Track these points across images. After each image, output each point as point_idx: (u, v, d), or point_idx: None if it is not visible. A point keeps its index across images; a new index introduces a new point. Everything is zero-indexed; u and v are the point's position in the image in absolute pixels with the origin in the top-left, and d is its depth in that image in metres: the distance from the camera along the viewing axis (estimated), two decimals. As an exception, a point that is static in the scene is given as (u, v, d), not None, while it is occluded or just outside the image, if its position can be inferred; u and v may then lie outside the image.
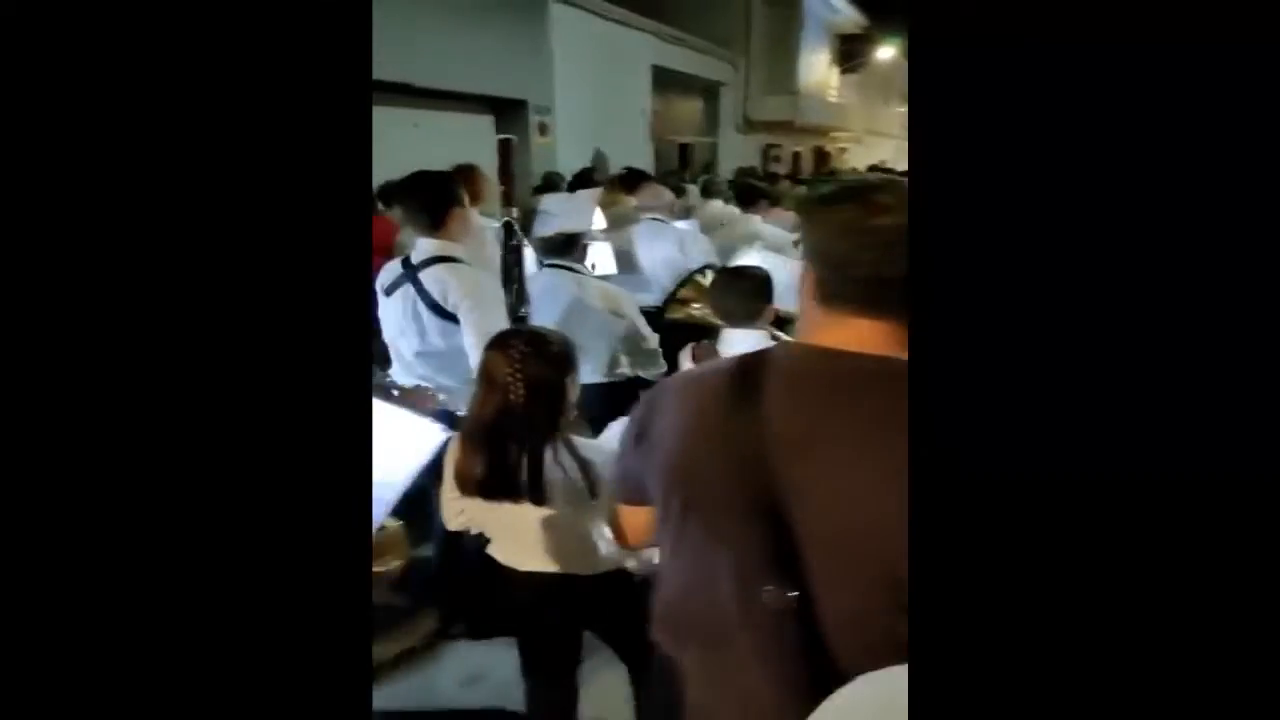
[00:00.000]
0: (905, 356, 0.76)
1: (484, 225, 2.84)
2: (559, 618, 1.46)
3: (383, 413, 0.97)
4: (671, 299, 2.40)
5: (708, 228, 3.71)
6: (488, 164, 6.88)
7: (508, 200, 2.38)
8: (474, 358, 1.83)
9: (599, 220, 3.01)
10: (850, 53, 17.69)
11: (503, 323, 2.06)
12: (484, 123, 7.09)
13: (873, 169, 10.16)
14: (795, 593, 0.75)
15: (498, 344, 1.40)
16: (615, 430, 1.57)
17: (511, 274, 2.41)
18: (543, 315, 2.43)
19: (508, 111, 7.05)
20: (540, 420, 1.34)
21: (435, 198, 2.10)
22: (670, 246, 3.11)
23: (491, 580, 1.42)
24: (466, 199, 2.17)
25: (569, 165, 6.52)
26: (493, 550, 1.42)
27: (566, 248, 2.52)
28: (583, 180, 5.36)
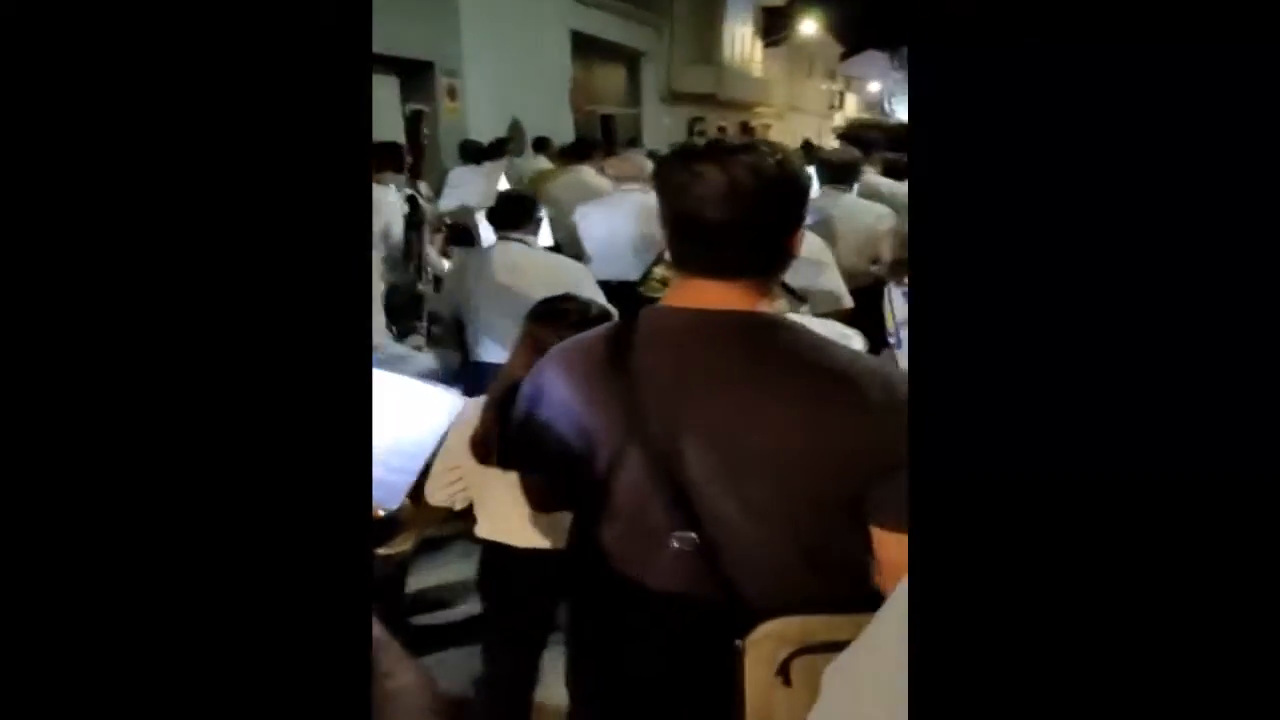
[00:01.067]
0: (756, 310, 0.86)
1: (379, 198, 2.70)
2: (549, 593, 1.43)
3: (395, 384, 0.94)
4: (647, 276, 2.33)
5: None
6: (393, 131, 6.46)
7: (414, 173, 2.22)
8: None
9: (495, 194, 2.89)
10: (773, 26, 17.67)
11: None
12: (388, 84, 6.60)
13: (805, 147, 10.12)
14: (693, 534, 0.82)
15: (548, 312, 1.36)
16: None
17: (412, 249, 2.33)
18: (494, 292, 2.32)
19: (414, 74, 6.59)
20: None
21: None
22: (652, 219, 2.95)
23: (493, 562, 1.41)
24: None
25: (481, 134, 6.13)
26: (483, 530, 1.39)
27: (518, 221, 2.44)
28: (498, 150, 5.09)
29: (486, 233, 2.77)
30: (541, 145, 5.88)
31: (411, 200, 2.30)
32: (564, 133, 7.67)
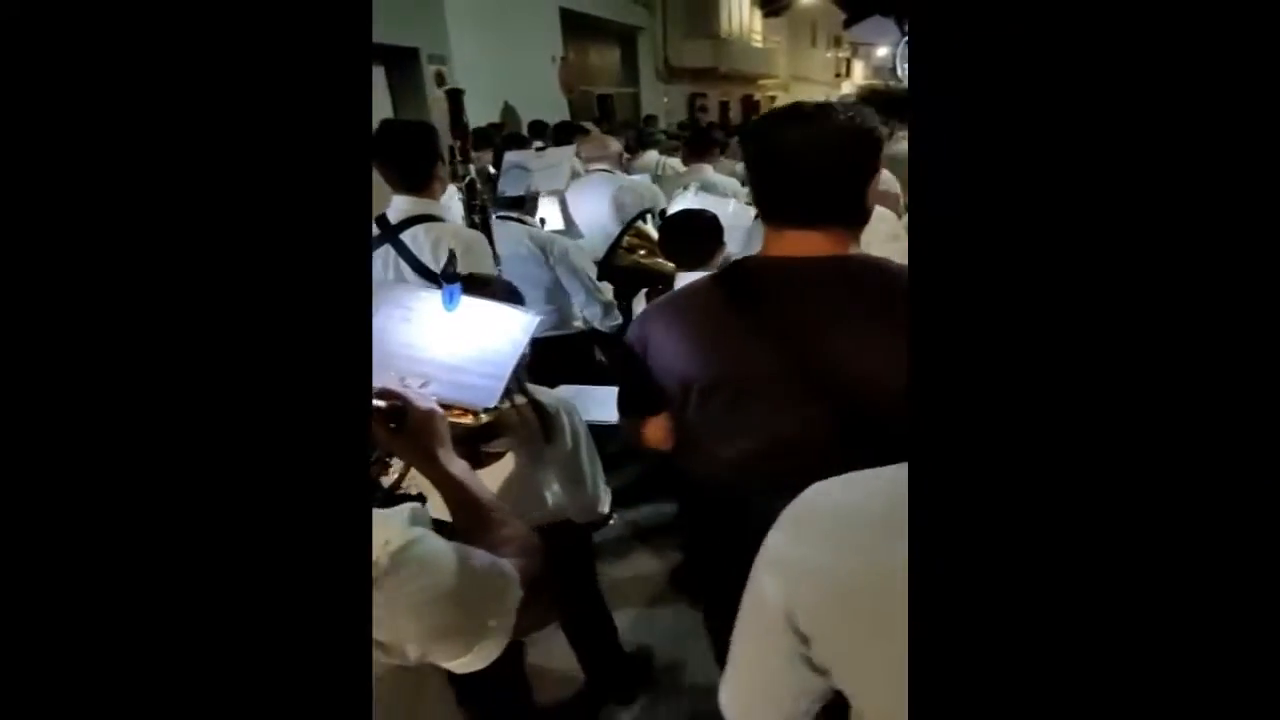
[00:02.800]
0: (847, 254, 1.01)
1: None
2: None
3: (477, 305, 1.08)
4: (616, 247, 2.40)
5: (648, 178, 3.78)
6: (382, 115, 6.38)
7: (465, 157, 2.26)
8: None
9: (565, 179, 3.01)
10: (773, -6, 17.39)
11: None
12: (372, 73, 6.54)
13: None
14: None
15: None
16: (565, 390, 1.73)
17: (488, 231, 2.30)
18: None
19: (399, 61, 6.51)
20: None
21: (418, 154, 1.97)
22: (623, 197, 3.07)
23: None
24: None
25: (472, 120, 6.04)
26: (434, 511, 1.40)
27: (518, 201, 2.53)
28: (511, 138, 4.98)
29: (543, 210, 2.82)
30: (538, 130, 5.79)
31: (469, 185, 2.22)
32: (559, 115, 7.57)
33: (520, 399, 1.35)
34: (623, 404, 1.28)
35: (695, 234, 1.97)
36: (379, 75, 6.52)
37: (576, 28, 9.81)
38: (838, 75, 23.69)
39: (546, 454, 1.40)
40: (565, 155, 2.90)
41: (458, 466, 0.89)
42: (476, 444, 1.20)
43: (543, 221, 2.68)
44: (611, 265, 2.40)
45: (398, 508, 0.73)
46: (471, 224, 2.23)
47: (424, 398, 0.92)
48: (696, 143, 3.99)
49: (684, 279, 1.93)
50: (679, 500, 1.46)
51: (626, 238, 2.40)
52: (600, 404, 1.70)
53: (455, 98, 2.38)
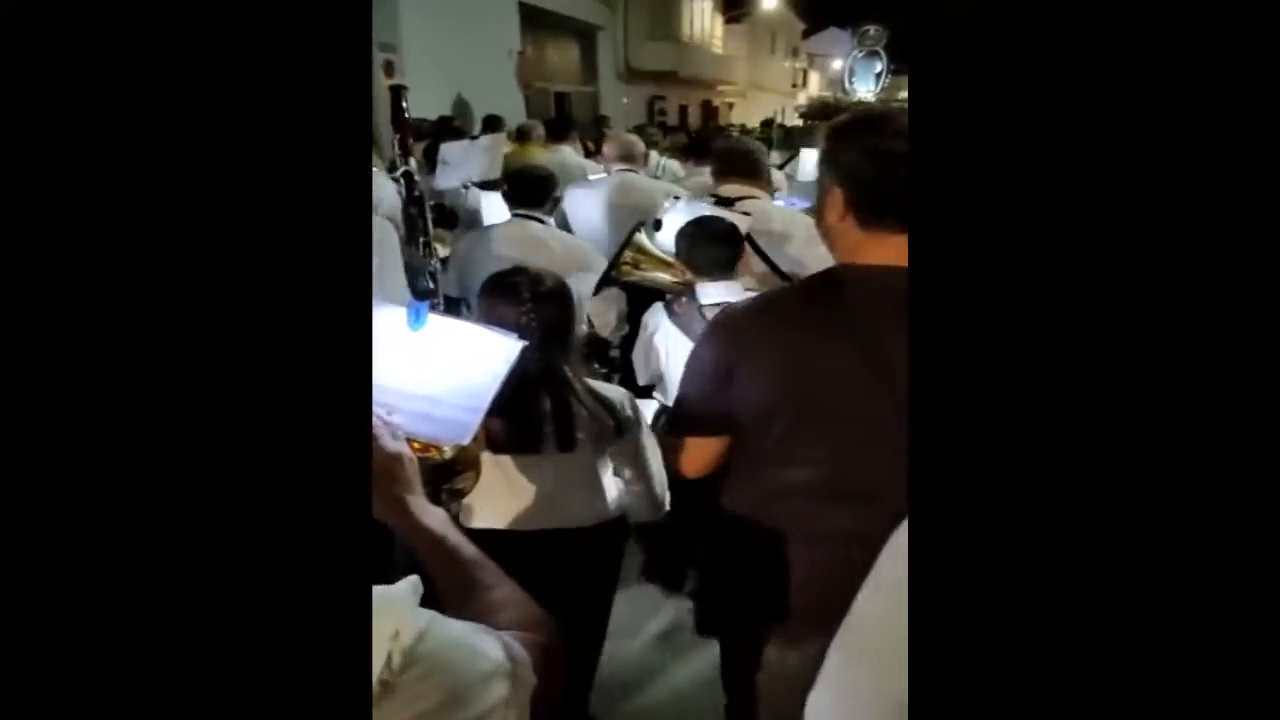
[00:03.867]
0: None
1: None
2: (549, 571, 1.37)
3: (454, 328, 1.00)
4: (617, 262, 2.28)
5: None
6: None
7: (405, 150, 2.20)
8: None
9: (498, 168, 2.96)
10: (734, 1, 17.41)
11: (400, 278, 1.97)
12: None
13: (765, 124, 9.94)
14: None
15: (499, 286, 1.32)
16: None
17: (416, 227, 2.25)
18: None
19: (345, 48, 6.17)
20: (559, 362, 1.31)
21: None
22: (646, 199, 2.99)
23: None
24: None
25: (423, 112, 5.75)
26: (483, 519, 1.31)
27: (539, 199, 2.46)
28: (444, 129, 4.76)
29: (488, 210, 2.79)
30: (492, 124, 5.56)
31: (407, 176, 2.19)
32: (514, 111, 7.31)
33: (584, 395, 1.31)
34: (678, 421, 1.19)
35: (717, 242, 1.94)
36: (323, 61, 6.18)
37: (535, 23, 9.54)
38: (794, 85, 23.89)
39: (618, 448, 1.35)
40: (494, 143, 2.85)
41: (433, 517, 0.76)
42: (437, 484, 1.07)
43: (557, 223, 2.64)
44: (612, 280, 2.29)
45: (398, 584, 0.60)
46: (409, 216, 2.19)
47: (391, 433, 0.79)
48: (696, 147, 4.12)
49: (708, 289, 1.92)
50: (702, 534, 1.34)
51: (628, 252, 2.29)
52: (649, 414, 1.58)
53: (396, 94, 2.29)
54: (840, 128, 1.03)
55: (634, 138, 3.63)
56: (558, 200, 2.58)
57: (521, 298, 1.27)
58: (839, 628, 0.61)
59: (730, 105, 17.12)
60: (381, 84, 6.25)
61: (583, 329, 2.44)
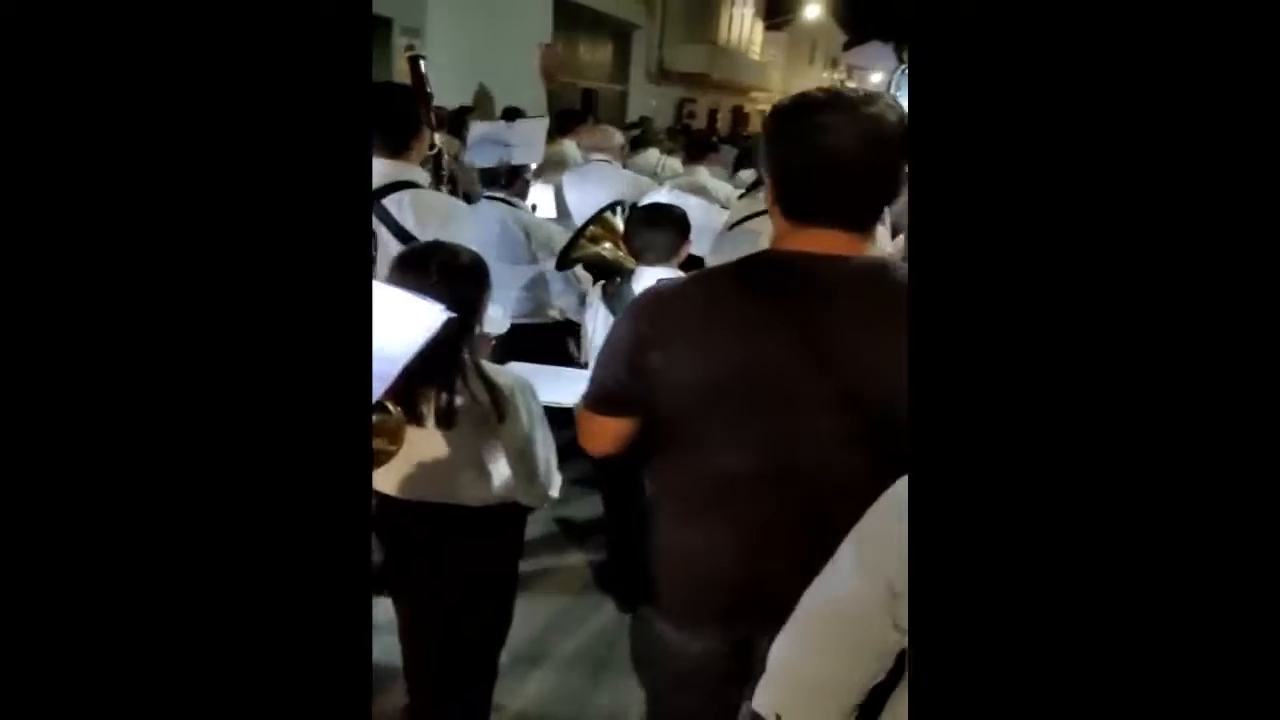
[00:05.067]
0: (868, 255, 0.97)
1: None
2: (441, 548, 1.45)
3: (381, 293, 0.99)
4: (578, 236, 2.29)
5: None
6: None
7: (433, 125, 2.19)
8: None
9: (539, 153, 3.05)
10: (776, 7, 17.26)
11: None
12: (340, 41, 6.15)
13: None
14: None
15: (410, 260, 1.35)
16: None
17: None
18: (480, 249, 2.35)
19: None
20: (456, 340, 1.29)
21: (401, 117, 1.91)
22: (620, 189, 3.11)
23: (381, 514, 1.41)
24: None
25: (442, 99, 5.69)
26: (379, 484, 1.37)
27: (509, 181, 2.54)
28: (462, 119, 4.70)
29: (535, 196, 2.90)
30: (511, 116, 5.49)
31: (437, 155, 2.19)
32: (538, 105, 7.25)
33: (472, 377, 1.32)
34: (594, 397, 1.14)
35: (661, 228, 1.96)
36: (346, 42, 6.15)
37: (570, 18, 9.51)
38: (832, 97, 23.63)
39: (499, 434, 1.36)
40: (540, 126, 2.89)
41: None
42: None
43: (534, 207, 2.67)
44: (569, 256, 2.28)
45: None
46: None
47: None
48: (694, 146, 4.30)
49: (644, 273, 1.93)
50: (619, 504, 1.46)
51: (591, 228, 2.29)
52: (555, 385, 1.58)
53: (415, 64, 2.30)
54: (777, 112, 0.97)
55: (612, 129, 3.91)
56: (528, 183, 2.65)
57: (429, 271, 1.28)
58: (753, 614, 0.65)
59: (763, 112, 16.97)
60: (402, 69, 6.24)
61: (553, 312, 2.58)
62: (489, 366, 1.38)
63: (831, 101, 0.90)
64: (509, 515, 1.46)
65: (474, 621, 1.53)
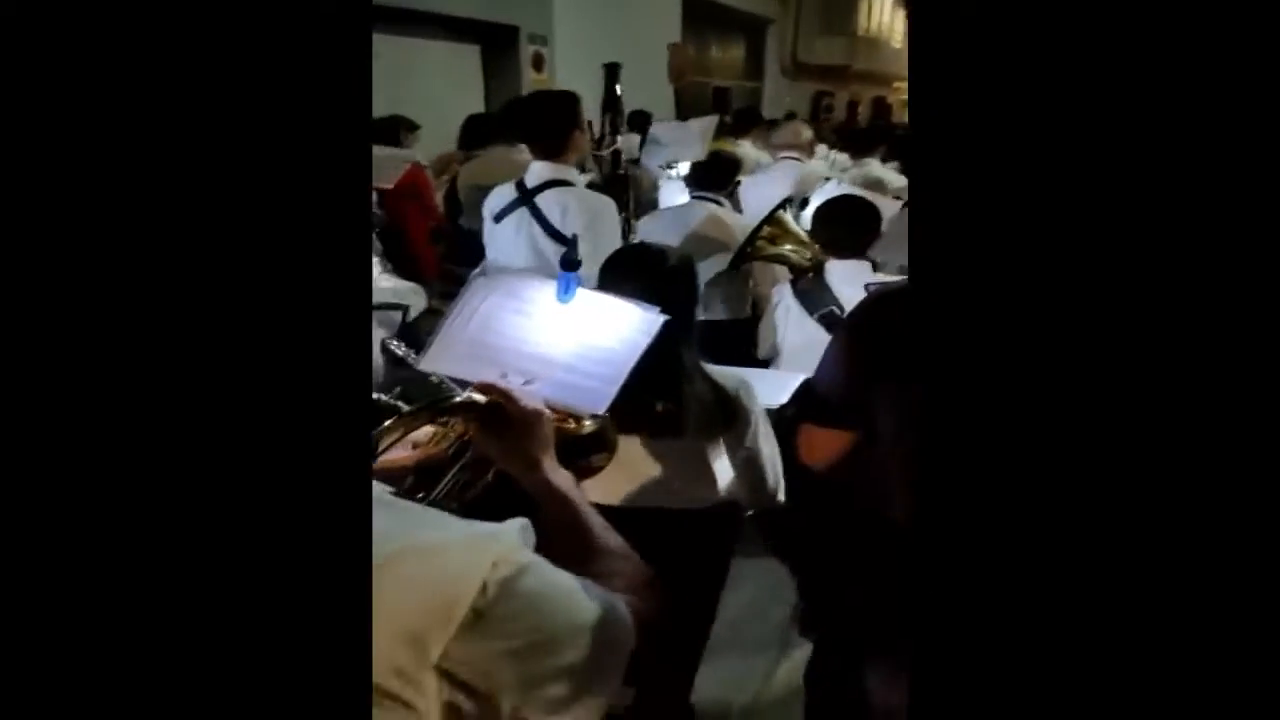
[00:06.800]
0: None
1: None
2: (659, 552, 1.31)
3: (597, 301, 1.01)
4: (752, 239, 2.31)
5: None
6: (474, 98, 6.00)
7: (614, 129, 2.54)
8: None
9: (705, 151, 3.14)
10: (919, -10, 16.33)
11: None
12: (468, 54, 6.11)
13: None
14: None
15: (620, 262, 1.33)
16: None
17: (622, 201, 2.36)
18: (696, 248, 2.41)
19: (496, 40, 6.06)
20: (675, 344, 1.24)
21: (559, 120, 2.09)
22: (787, 188, 3.15)
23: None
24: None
25: (567, 106, 5.53)
26: (592, 494, 1.27)
27: (722, 183, 2.67)
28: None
29: (666, 193, 3.02)
30: (636, 120, 5.25)
31: (615, 154, 2.48)
32: (663, 106, 6.98)
33: (697, 381, 1.29)
34: (803, 406, 1.12)
35: (852, 220, 1.91)
36: (473, 54, 6.10)
37: (700, 16, 9.22)
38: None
39: (725, 437, 1.33)
40: (705, 126, 3.02)
41: (562, 478, 0.80)
42: (577, 456, 1.02)
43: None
44: (745, 254, 2.35)
45: (507, 523, 0.61)
46: (614, 193, 2.29)
47: (529, 395, 0.84)
48: (863, 137, 4.26)
49: (836, 268, 1.87)
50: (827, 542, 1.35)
51: (767, 228, 2.33)
52: (759, 386, 1.62)
53: (612, 71, 2.59)
54: None
55: (802, 126, 4.11)
56: (737, 185, 2.79)
57: (642, 275, 1.21)
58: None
59: (905, 102, 16.04)
60: (530, 78, 6.14)
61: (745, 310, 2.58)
62: (711, 369, 1.35)
63: None
64: (724, 516, 1.39)
65: (682, 621, 1.37)
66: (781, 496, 1.43)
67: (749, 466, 1.36)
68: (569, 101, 2.15)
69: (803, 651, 1.99)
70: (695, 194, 2.66)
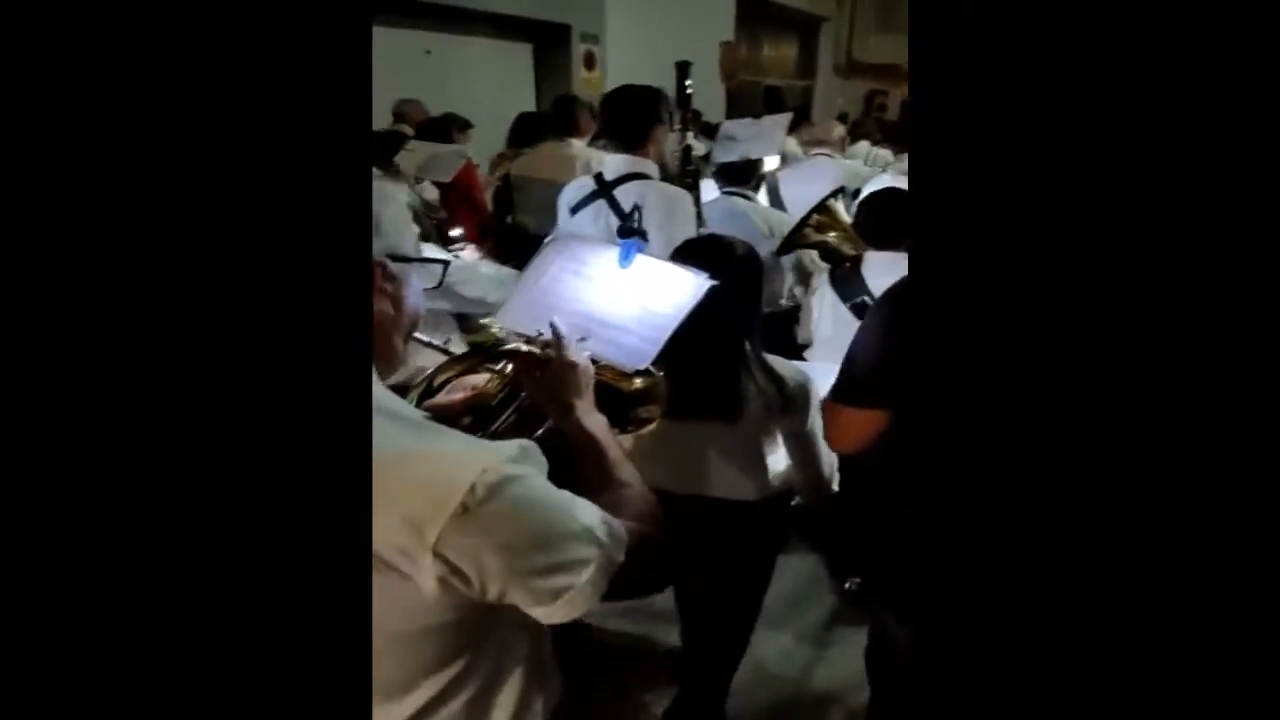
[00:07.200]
0: None
1: (582, 154, 3.16)
2: (709, 540, 1.39)
3: (649, 265, 1.08)
4: (802, 226, 2.34)
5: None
6: (525, 97, 6.02)
7: (684, 125, 2.46)
8: None
9: (778, 147, 3.14)
10: (978, -13, 15.92)
11: (691, 234, 2.09)
12: (520, 52, 6.15)
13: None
14: None
15: (688, 251, 1.35)
16: None
17: (695, 196, 2.40)
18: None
19: (548, 39, 6.09)
20: (738, 333, 1.33)
21: (642, 114, 2.13)
22: (839, 178, 3.13)
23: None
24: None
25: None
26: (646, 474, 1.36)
27: (744, 176, 2.68)
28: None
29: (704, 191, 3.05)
30: (689, 119, 5.22)
31: (686, 151, 2.47)
32: (719, 104, 6.92)
33: (756, 369, 1.32)
34: (839, 387, 1.11)
35: (890, 213, 1.90)
36: (525, 52, 6.13)
37: (753, 15, 9.12)
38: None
39: (782, 426, 1.35)
40: (780, 123, 2.99)
41: (593, 421, 0.90)
42: (628, 409, 1.10)
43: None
44: (794, 243, 2.37)
45: (508, 441, 0.71)
46: (684, 185, 2.31)
47: (574, 349, 0.94)
48: (907, 134, 3.99)
49: (874, 260, 1.87)
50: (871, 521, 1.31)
51: (816, 216, 2.34)
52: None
53: (683, 69, 2.52)
54: None
55: (834, 123, 4.11)
56: (762, 178, 2.81)
57: (709, 263, 1.21)
58: None
59: (964, 102, 15.68)
60: (581, 76, 6.14)
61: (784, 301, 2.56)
62: (772, 359, 1.37)
63: None
64: (774, 507, 1.43)
65: (727, 612, 1.53)
66: (835, 485, 1.44)
67: (805, 450, 1.38)
68: (652, 97, 2.18)
69: (839, 650, 2.15)
70: (725, 189, 2.71)
